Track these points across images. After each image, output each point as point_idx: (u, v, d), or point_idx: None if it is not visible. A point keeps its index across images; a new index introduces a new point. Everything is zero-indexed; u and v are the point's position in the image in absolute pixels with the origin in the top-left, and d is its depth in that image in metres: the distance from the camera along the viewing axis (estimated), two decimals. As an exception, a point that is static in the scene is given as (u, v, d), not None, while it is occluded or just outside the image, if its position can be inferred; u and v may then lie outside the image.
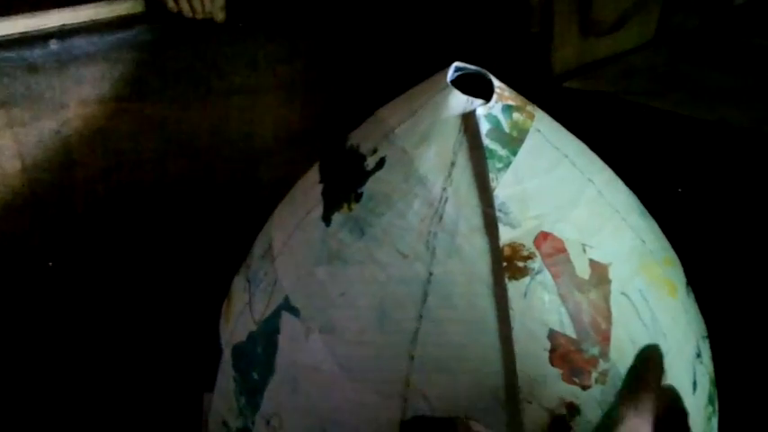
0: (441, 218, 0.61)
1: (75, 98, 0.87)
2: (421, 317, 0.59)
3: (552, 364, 0.59)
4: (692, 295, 0.72)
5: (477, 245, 0.60)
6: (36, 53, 0.84)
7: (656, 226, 0.72)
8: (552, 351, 0.59)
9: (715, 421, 0.71)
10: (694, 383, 0.66)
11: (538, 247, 0.61)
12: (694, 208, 0.89)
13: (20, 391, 0.87)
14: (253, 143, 1.00)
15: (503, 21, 1.06)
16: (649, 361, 0.56)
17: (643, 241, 0.67)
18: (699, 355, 0.68)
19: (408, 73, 0.72)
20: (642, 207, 0.71)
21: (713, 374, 0.72)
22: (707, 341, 0.72)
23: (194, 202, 0.96)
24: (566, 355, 0.59)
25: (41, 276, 0.89)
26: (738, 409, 0.79)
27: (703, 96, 0.94)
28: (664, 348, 0.62)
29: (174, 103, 0.93)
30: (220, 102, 0.97)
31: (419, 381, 0.59)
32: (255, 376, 0.65)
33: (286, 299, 0.64)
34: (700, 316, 0.73)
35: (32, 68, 0.84)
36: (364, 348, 0.60)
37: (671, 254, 0.71)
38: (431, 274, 0.60)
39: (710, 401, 0.70)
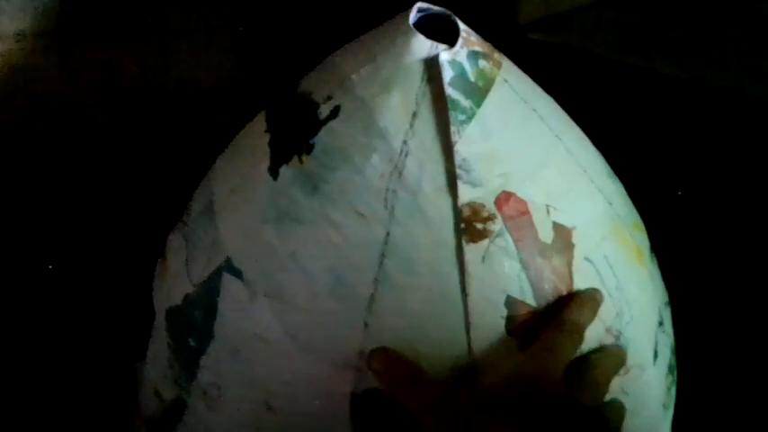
0: (401, 174, 0.56)
1: None
2: (377, 282, 0.54)
3: (510, 334, 0.55)
4: (655, 261, 0.69)
5: (441, 204, 0.55)
6: None
7: (623, 189, 0.68)
8: (510, 320, 0.55)
9: (674, 391, 0.69)
10: (656, 353, 0.63)
11: (499, 209, 0.56)
12: (664, 169, 0.86)
13: None
14: (191, 89, 0.92)
15: None
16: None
17: (611, 204, 0.63)
18: (661, 324, 0.65)
19: (365, 14, 0.66)
20: (610, 169, 0.67)
21: (674, 343, 0.70)
22: (669, 308, 0.69)
23: (126, 152, 0.88)
24: (524, 324, 0.55)
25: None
26: (697, 379, 0.78)
27: (678, 53, 0.90)
28: (627, 317, 0.60)
29: (105, 42, 0.85)
30: (158, 43, 0.88)
31: (374, 351, 0.54)
32: (192, 343, 0.59)
33: (228, 259, 0.58)
34: (662, 282, 0.70)
35: None
36: (315, 316, 0.55)
37: (638, 218, 0.68)
38: (388, 234, 0.55)
39: (671, 371, 0.67)
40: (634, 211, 0.68)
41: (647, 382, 0.62)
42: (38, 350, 0.81)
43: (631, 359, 0.60)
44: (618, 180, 0.67)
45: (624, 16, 1.03)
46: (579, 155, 0.62)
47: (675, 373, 0.70)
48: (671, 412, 0.69)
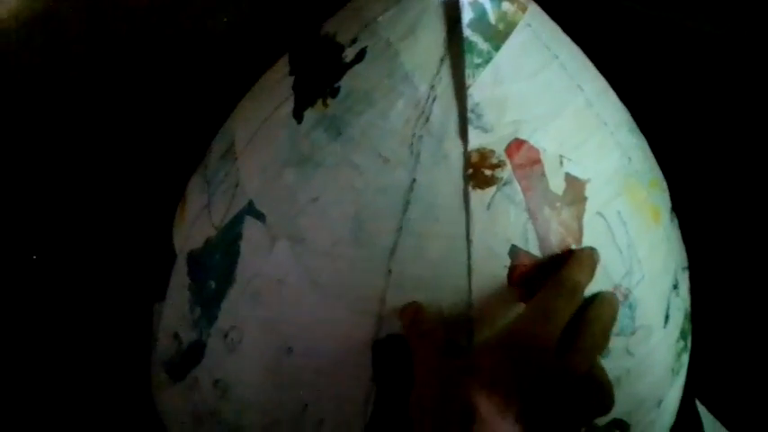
0: (427, 119, 0.55)
1: None
2: (401, 229, 0.54)
3: (510, 284, 0.55)
4: (675, 222, 0.68)
5: (461, 150, 0.55)
6: None
7: (646, 145, 0.67)
8: (512, 270, 0.55)
9: (686, 358, 0.68)
10: (667, 316, 0.63)
11: (509, 156, 0.55)
12: (685, 127, 0.85)
13: None
14: (205, 32, 0.90)
15: None
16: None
17: (630, 160, 0.62)
18: (676, 287, 0.65)
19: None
20: (634, 124, 0.66)
21: (689, 309, 0.69)
22: (686, 273, 0.69)
23: (144, 97, 0.87)
24: (526, 276, 0.55)
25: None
26: (713, 348, 0.77)
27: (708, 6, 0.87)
28: (637, 276, 0.60)
29: None
30: None
31: (395, 298, 0.54)
32: (213, 286, 0.59)
33: (250, 203, 0.58)
34: (682, 245, 0.69)
35: None
36: (337, 262, 0.55)
37: (658, 176, 0.67)
38: (414, 180, 0.54)
39: (683, 336, 0.67)
40: (656, 169, 0.67)
41: (654, 345, 0.62)
42: (57, 290, 0.81)
43: (639, 320, 0.60)
44: (642, 136, 0.66)
45: None
46: (600, 107, 0.61)
47: (689, 339, 0.69)
48: (681, 379, 0.68)
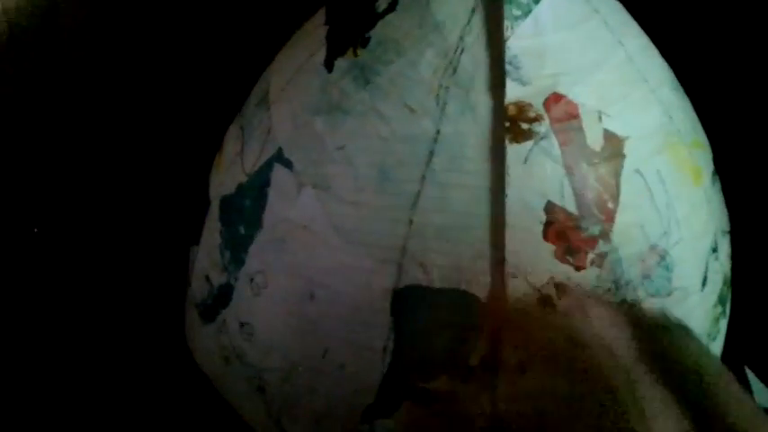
0: (455, 70, 0.54)
1: None
2: (424, 178, 0.54)
3: (546, 239, 0.54)
4: (718, 185, 0.66)
5: (491, 104, 0.54)
6: None
7: (688, 105, 0.65)
8: (547, 225, 0.54)
9: (724, 324, 0.67)
10: (704, 279, 0.62)
11: (547, 110, 0.54)
12: (732, 90, 0.82)
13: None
14: None
15: None
16: None
17: (671, 118, 0.60)
18: (715, 250, 0.63)
19: None
20: (677, 83, 0.64)
21: (729, 274, 0.67)
22: (727, 237, 0.67)
23: (195, 44, 0.89)
24: (562, 232, 0.54)
25: (26, 126, 0.84)
26: (753, 314, 0.75)
27: None
28: (675, 237, 0.58)
29: None
30: None
31: (417, 248, 0.54)
32: (242, 231, 0.61)
33: (279, 150, 0.59)
34: (723, 208, 0.67)
35: None
36: (360, 209, 0.55)
37: (701, 137, 0.65)
38: (438, 132, 0.54)
39: (721, 302, 0.65)
40: (699, 130, 0.65)
41: (690, 308, 0.60)
42: (99, 231, 0.84)
43: (676, 282, 0.59)
44: (685, 96, 0.65)
45: None
46: (642, 63, 0.60)
47: (727, 306, 0.68)
48: (717, 345, 0.67)
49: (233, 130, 0.66)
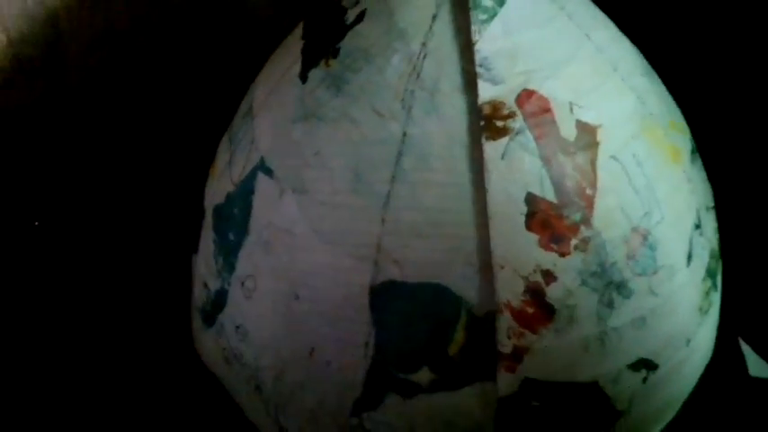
0: (419, 75, 0.57)
1: None
2: (394, 178, 0.57)
3: (529, 230, 0.56)
4: (698, 163, 0.68)
5: (457, 104, 0.57)
6: None
7: (663, 89, 0.67)
8: (530, 215, 0.56)
9: (715, 296, 0.68)
10: (690, 255, 0.63)
11: (520, 106, 0.57)
12: (712, 72, 0.83)
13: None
14: (250, 6, 0.95)
15: None
16: None
17: (644, 103, 0.62)
18: (698, 227, 0.65)
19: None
20: (649, 68, 0.66)
21: (717, 248, 0.69)
22: (712, 212, 0.68)
23: (192, 68, 0.93)
24: (544, 221, 0.56)
25: (33, 150, 0.89)
26: (748, 286, 0.76)
27: None
28: (657, 217, 0.60)
29: None
30: None
31: (391, 245, 0.56)
32: (232, 237, 0.64)
33: (262, 159, 0.62)
34: (706, 185, 0.69)
35: None
36: (336, 210, 0.58)
37: (678, 118, 0.67)
38: (405, 134, 0.57)
39: (710, 275, 0.66)
40: (675, 112, 0.67)
41: (678, 284, 0.62)
42: (109, 243, 0.89)
43: (661, 260, 0.60)
44: (658, 81, 0.66)
45: None
46: (611, 53, 0.61)
47: (718, 279, 0.69)
48: (711, 318, 0.68)
49: (224, 142, 0.70)
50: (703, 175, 0.68)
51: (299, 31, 0.66)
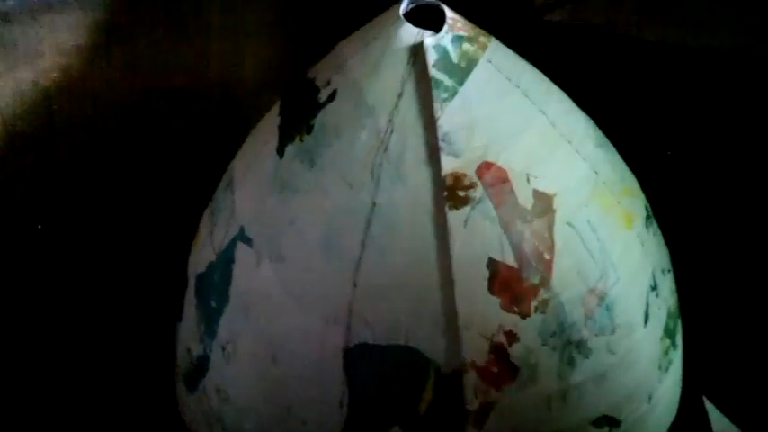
0: (386, 148, 0.61)
1: (52, 47, 0.87)
2: (364, 244, 0.60)
3: (491, 293, 0.60)
4: (653, 227, 0.72)
5: (421, 175, 0.61)
6: (9, 3, 0.83)
7: (616, 158, 0.71)
8: (491, 279, 0.60)
9: (675, 354, 0.72)
10: (647, 315, 0.67)
11: (480, 177, 0.61)
12: (680, 141, 0.88)
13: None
14: (234, 86, 1.01)
15: None
16: None
17: (596, 172, 0.66)
18: (654, 288, 0.68)
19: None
20: (603, 138, 0.71)
21: (675, 308, 0.72)
22: (669, 274, 0.72)
23: (177, 146, 0.98)
24: (505, 284, 0.60)
25: (25, 226, 0.92)
26: (721, 347, 0.79)
27: (686, 23, 0.92)
28: (612, 278, 0.64)
29: (152, 47, 0.94)
30: (200, 45, 0.97)
31: (362, 307, 0.60)
32: (213, 304, 0.67)
33: (241, 229, 0.66)
34: (663, 248, 0.73)
35: (6, 19, 0.84)
36: (310, 275, 0.62)
37: (632, 185, 0.71)
38: (374, 203, 0.61)
39: (668, 335, 0.70)
40: (628, 178, 0.71)
41: (636, 343, 0.65)
42: (97, 314, 0.92)
43: (618, 319, 0.64)
44: (612, 150, 0.71)
45: None
46: (564, 127, 0.66)
47: (678, 338, 0.72)
48: (672, 375, 0.71)
49: (206, 214, 0.74)
50: (659, 238, 0.73)
51: (276, 108, 0.71)
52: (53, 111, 0.90)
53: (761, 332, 0.83)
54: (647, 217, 0.71)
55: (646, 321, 0.66)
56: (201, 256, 0.70)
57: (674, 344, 0.71)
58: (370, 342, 0.60)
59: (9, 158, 0.88)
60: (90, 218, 0.95)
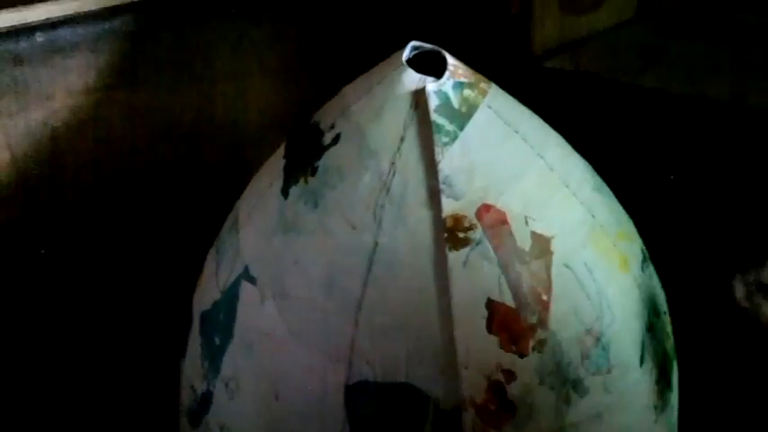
0: (388, 190, 0.63)
1: (62, 89, 0.90)
2: (366, 284, 0.62)
3: (490, 332, 0.61)
4: (649, 270, 0.73)
5: (422, 216, 0.63)
6: (22, 45, 0.87)
7: (613, 202, 0.73)
8: (490, 319, 0.61)
9: (671, 396, 0.73)
10: (642, 356, 0.68)
11: (480, 219, 0.63)
12: (677, 185, 0.90)
13: (15, 379, 0.92)
14: (239, 129, 1.05)
15: (482, 2, 1.08)
16: None
17: (593, 216, 0.68)
18: (650, 329, 0.69)
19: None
20: (600, 182, 0.73)
21: (671, 350, 0.73)
22: (665, 316, 0.73)
23: (183, 187, 1.01)
24: (503, 323, 0.61)
25: (32, 266, 0.94)
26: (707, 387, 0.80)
27: (685, 71, 0.95)
28: (608, 319, 0.65)
29: (159, 90, 0.97)
30: (206, 87, 1.01)
31: (363, 346, 0.61)
32: (217, 341, 0.68)
33: (246, 268, 0.67)
34: (659, 291, 0.74)
35: (18, 61, 0.87)
36: (313, 314, 0.63)
37: (628, 229, 0.73)
38: (377, 243, 0.62)
39: (664, 376, 0.71)
40: (624, 221, 0.73)
41: (632, 383, 0.67)
42: (103, 351, 0.93)
43: (614, 359, 0.65)
44: (609, 194, 0.73)
45: (634, 41, 1.08)
46: (562, 171, 0.68)
47: (674, 379, 0.74)
48: (668, 416, 0.72)
49: (211, 254, 0.75)
50: (655, 281, 0.74)
51: (281, 150, 0.73)
52: (62, 151, 0.92)
53: (757, 375, 0.84)
54: (644, 260, 0.72)
55: (641, 362, 0.68)
56: (206, 295, 0.72)
57: (670, 385, 0.72)
58: (371, 380, 0.61)
59: (19, 197, 0.90)
60: (96, 255, 0.96)
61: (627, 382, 0.66)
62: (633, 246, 0.72)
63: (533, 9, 1.02)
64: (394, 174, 0.64)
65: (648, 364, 0.69)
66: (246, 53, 1.03)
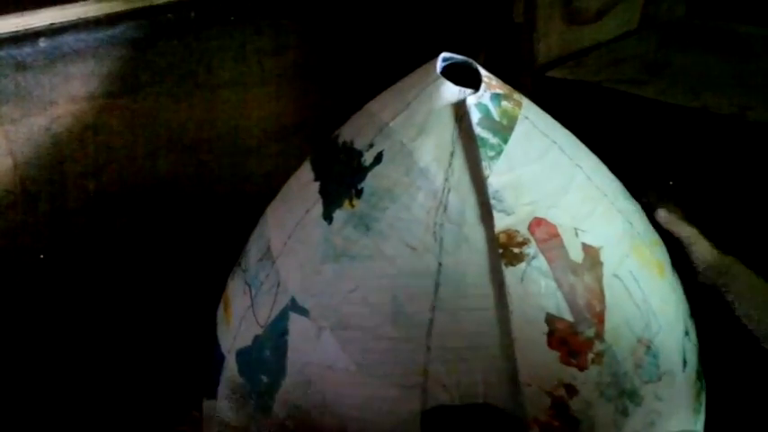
0: (446, 208, 0.62)
1: (65, 95, 0.88)
2: (434, 308, 0.60)
3: (550, 348, 0.60)
4: (676, 274, 0.74)
5: (480, 233, 0.61)
6: (25, 51, 0.84)
7: (640, 209, 0.74)
8: (550, 335, 0.61)
9: (704, 396, 0.74)
10: (684, 360, 0.69)
11: (532, 233, 0.62)
12: (677, 195, 0.92)
13: (13, 385, 0.88)
14: (242, 136, 1.03)
15: (486, 11, 1.09)
16: None
17: (631, 224, 0.69)
18: (687, 333, 0.71)
19: (394, 65, 0.74)
20: (627, 191, 0.73)
21: (698, 351, 0.75)
22: (692, 319, 0.75)
23: (184, 195, 0.98)
24: (563, 338, 0.61)
25: (33, 272, 0.90)
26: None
27: (687, 84, 0.97)
28: (655, 328, 0.66)
29: (162, 97, 0.95)
30: (208, 96, 0.99)
31: (437, 371, 0.59)
32: (265, 379, 0.65)
33: (293, 300, 0.64)
34: (683, 294, 0.75)
35: (21, 66, 0.84)
36: (380, 343, 0.61)
37: (656, 236, 0.74)
38: (440, 264, 0.61)
39: (699, 377, 0.72)
40: (651, 228, 0.74)
41: (678, 388, 0.67)
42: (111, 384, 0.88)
43: (663, 366, 0.66)
44: (635, 201, 0.73)
45: (637, 52, 1.11)
46: (598, 180, 0.68)
47: (703, 380, 0.75)
48: (701, 418, 0.73)
49: (236, 286, 0.71)
50: (680, 284, 0.75)
51: (306, 172, 0.70)
52: (64, 157, 0.89)
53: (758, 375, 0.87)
54: (672, 265, 0.74)
55: (684, 366, 0.69)
56: (242, 331, 0.68)
57: (702, 386, 0.73)
58: (448, 403, 0.59)
59: (20, 203, 0.88)
60: (97, 261, 0.93)
61: (674, 389, 0.67)
62: (664, 251, 0.73)
63: (537, 20, 1.03)
64: (449, 191, 0.62)
65: (689, 367, 0.70)
66: (248, 61, 1.01)
